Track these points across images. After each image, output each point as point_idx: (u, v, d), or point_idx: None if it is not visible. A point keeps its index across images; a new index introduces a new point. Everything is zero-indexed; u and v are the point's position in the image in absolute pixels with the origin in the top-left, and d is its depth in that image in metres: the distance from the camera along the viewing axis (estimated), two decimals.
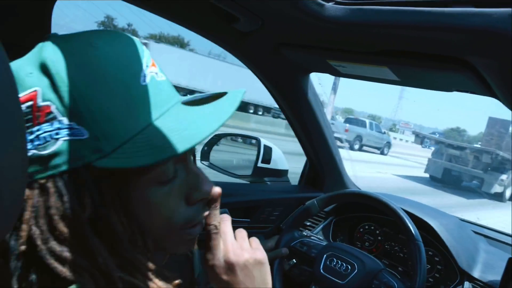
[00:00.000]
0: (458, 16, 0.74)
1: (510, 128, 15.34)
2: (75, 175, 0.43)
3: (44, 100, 0.42)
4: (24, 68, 0.43)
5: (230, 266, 0.64)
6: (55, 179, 0.43)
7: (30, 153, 0.42)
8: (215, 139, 1.89)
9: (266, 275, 0.68)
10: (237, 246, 0.67)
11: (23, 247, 0.42)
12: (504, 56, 0.74)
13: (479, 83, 0.91)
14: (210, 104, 0.53)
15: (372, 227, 1.60)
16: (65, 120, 0.42)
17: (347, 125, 17.69)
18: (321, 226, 1.63)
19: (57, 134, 0.42)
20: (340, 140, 16.60)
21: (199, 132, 0.47)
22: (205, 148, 1.87)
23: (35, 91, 0.42)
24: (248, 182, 1.77)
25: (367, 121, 18.91)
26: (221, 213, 1.55)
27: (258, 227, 1.66)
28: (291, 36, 1.10)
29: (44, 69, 0.43)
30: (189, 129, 0.47)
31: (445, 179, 13.57)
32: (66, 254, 0.42)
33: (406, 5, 0.80)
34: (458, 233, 1.44)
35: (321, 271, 1.30)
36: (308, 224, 1.67)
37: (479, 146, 15.09)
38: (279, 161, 1.84)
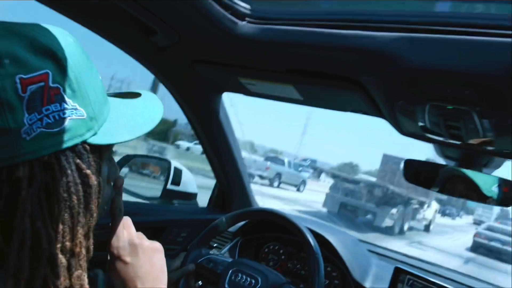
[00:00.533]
0: (350, 38, 0.88)
1: (402, 165, 16.18)
2: (75, 151, 0.48)
3: (54, 82, 0.45)
4: (20, 50, 0.44)
5: (134, 249, 0.67)
6: (58, 156, 0.46)
7: (37, 132, 0.44)
8: (123, 161, 1.86)
9: (164, 264, 0.72)
10: (137, 234, 0.71)
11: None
12: (388, 76, 0.88)
13: (369, 103, 1.05)
14: (139, 98, 0.64)
15: (277, 247, 1.67)
16: (71, 102, 0.47)
17: (268, 162, 18.14)
18: (228, 246, 1.66)
19: (64, 114, 0.46)
20: (262, 177, 17.52)
21: (154, 117, 0.60)
22: None
23: (46, 73, 0.45)
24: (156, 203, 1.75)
25: (286, 160, 19.71)
26: None
27: (165, 249, 1.64)
28: (205, 52, 1.17)
29: (51, 54, 0.46)
30: (143, 115, 0.59)
31: (341, 213, 13.98)
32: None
33: (311, 26, 0.93)
34: (353, 249, 1.57)
35: (226, 286, 1.32)
36: (215, 245, 1.69)
37: (373, 180, 16.05)
38: (189, 184, 1.85)
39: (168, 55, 1.21)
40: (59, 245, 0.46)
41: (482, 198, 1.11)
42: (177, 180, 1.78)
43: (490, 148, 0.98)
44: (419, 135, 1.09)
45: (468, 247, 15.67)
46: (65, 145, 0.46)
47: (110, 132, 0.52)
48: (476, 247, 15.17)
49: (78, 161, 0.48)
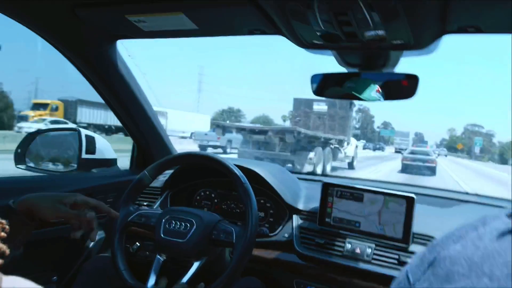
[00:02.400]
0: None
1: (314, 105, 15.64)
2: None
3: None
4: None
5: None
6: None
7: None
8: (29, 139, 1.71)
9: None
10: None
11: None
12: None
13: (262, 17, 1.03)
14: None
15: (208, 192, 1.65)
16: None
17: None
18: (158, 202, 1.61)
19: None
20: (216, 147, 18.41)
21: None
22: (19, 150, 1.68)
23: None
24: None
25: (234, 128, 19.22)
26: None
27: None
28: None
29: None
30: None
31: None
32: None
33: None
34: (282, 176, 1.59)
35: (162, 235, 1.28)
36: (145, 203, 1.64)
37: (280, 126, 15.30)
38: (105, 150, 1.76)
39: (41, 2, 1.09)
40: None
41: (388, 95, 1.15)
42: (91, 149, 1.68)
43: (384, 43, 1.01)
44: (319, 45, 1.09)
45: (398, 170, 18.90)
46: None
47: None
48: (405, 168, 19.18)
49: None
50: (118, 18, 1.14)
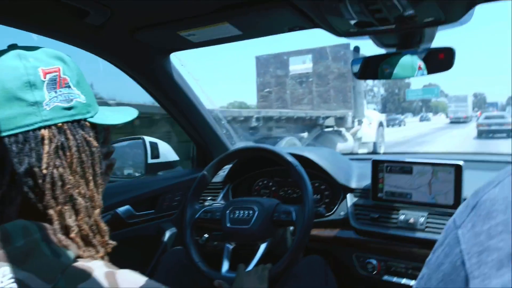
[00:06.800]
0: None
1: (291, 64, 9.92)
2: (80, 124, 0.64)
3: (64, 74, 0.64)
4: (40, 53, 0.64)
5: None
6: (69, 124, 0.63)
7: (54, 105, 0.61)
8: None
9: None
10: None
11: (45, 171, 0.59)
12: None
13: (299, 15, 1.13)
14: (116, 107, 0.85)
15: (265, 181, 1.77)
16: (75, 89, 0.65)
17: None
18: (221, 195, 1.75)
19: (71, 95, 0.64)
20: None
21: (132, 112, 0.79)
22: None
23: (58, 67, 0.64)
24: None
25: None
26: (124, 210, 1.57)
27: (164, 215, 1.73)
28: (140, 18, 1.21)
29: (60, 58, 0.65)
30: (122, 112, 0.79)
31: None
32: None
33: None
34: (332, 158, 1.68)
35: (228, 225, 1.40)
36: (209, 198, 1.78)
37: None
38: (168, 153, 1.92)
39: (106, 31, 1.24)
40: (77, 191, 0.61)
41: (428, 69, 1.21)
42: (155, 153, 1.85)
43: (416, 23, 1.08)
44: (355, 32, 1.18)
45: (473, 137, 19.17)
46: (72, 118, 0.63)
47: (102, 117, 0.69)
48: (481, 133, 20.12)
49: (82, 131, 0.64)
50: (171, 35, 1.28)
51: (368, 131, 9.94)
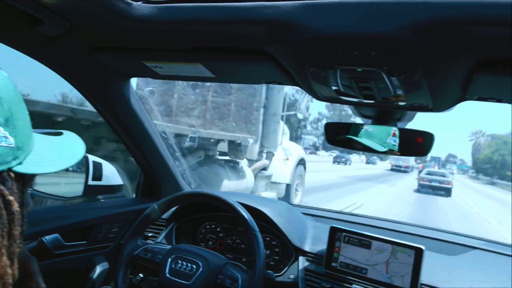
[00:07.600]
0: (252, 10, 0.83)
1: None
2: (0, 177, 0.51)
3: None
4: None
5: None
6: None
7: None
8: None
9: None
10: None
11: None
12: (295, 45, 0.85)
13: (282, 72, 1.02)
14: (61, 136, 0.70)
15: (213, 226, 1.65)
16: (1, 130, 0.51)
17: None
18: (164, 233, 1.61)
19: None
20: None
21: (77, 153, 0.66)
22: None
23: None
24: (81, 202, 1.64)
25: None
26: (52, 239, 1.40)
27: (96, 248, 1.56)
28: (103, 38, 1.06)
29: None
30: (66, 150, 0.65)
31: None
32: None
33: (208, 1, 0.86)
34: (288, 216, 1.59)
35: (167, 275, 1.28)
36: (150, 235, 1.63)
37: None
38: (111, 176, 1.75)
39: (61, 45, 1.09)
40: None
41: (401, 150, 1.15)
42: (98, 175, 1.67)
43: (402, 103, 1.01)
44: (335, 99, 1.09)
45: (414, 189, 20.32)
46: None
47: (34, 163, 0.56)
48: (422, 188, 20.79)
49: (1, 187, 0.50)
50: (136, 63, 1.14)
51: (283, 169, 7.40)
